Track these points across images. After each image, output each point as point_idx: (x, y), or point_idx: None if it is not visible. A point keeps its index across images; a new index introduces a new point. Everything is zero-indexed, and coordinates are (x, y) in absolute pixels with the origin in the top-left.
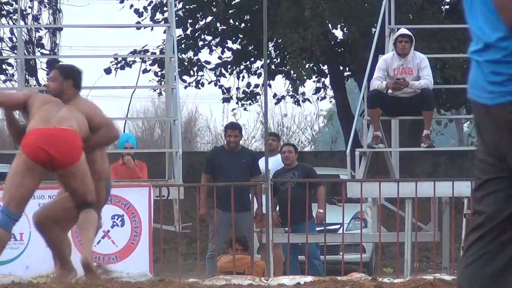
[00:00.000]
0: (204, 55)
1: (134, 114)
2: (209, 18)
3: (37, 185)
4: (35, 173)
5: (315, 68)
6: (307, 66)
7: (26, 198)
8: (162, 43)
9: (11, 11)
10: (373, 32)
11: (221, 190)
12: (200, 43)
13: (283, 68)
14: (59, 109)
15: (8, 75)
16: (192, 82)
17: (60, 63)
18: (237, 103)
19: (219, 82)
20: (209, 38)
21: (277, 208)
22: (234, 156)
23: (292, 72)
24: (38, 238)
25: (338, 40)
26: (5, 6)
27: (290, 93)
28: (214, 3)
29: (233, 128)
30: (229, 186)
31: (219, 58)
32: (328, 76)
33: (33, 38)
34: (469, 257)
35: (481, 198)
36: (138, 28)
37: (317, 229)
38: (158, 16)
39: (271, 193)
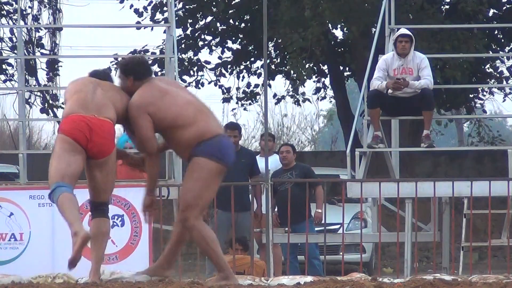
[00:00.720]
0: (204, 55)
1: None
2: (209, 18)
3: (82, 167)
4: (80, 153)
5: (315, 68)
6: (307, 66)
7: (77, 176)
8: (162, 43)
9: (11, 11)
10: (373, 32)
11: (221, 190)
12: (200, 43)
13: (283, 68)
14: (94, 91)
15: (8, 75)
16: (192, 82)
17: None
18: (237, 103)
19: (219, 82)
20: (209, 38)
21: (276, 209)
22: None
23: (292, 72)
24: (38, 238)
25: (338, 40)
26: (5, 6)
27: (290, 93)
28: (214, 3)
29: (233, 128)
30: (229, 186)
31: (219, 58)
32: (328, 76)
33: (33, 38)
34: None
35: None
36: (138, 28)
37: (317, 229)
38: (158, 16)
39: (271, 193)
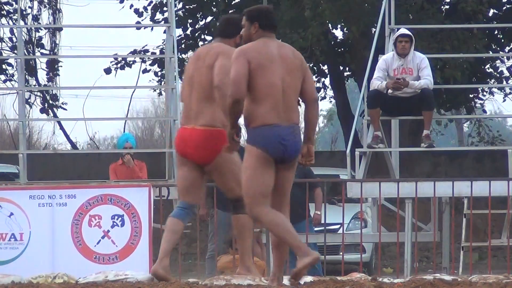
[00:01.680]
0: None
1: (134, 114)
2: (209, 18)
3: (193, 177)
4: (186, 165)
5: (315, 68)
6: None
7: (198, 188)
8: (162, 43)
9: (11, 11)
10: (373, 32)
11: (220, 190)
12: (200, 43)
13: None
14: (190, 94)
15: (8, 75)
16: None
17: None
18: None
19: None
20: (209, 38)
21: None
22: None
23: None
24: (38, 238)
25: (338, 40)
26: (5, 6)
27: None
28: (214, 3)
29: None
30: None
31: None
32: (328, 76)
33: (33, 38)
34: None
35: None
36: (138, 28)
37: (316, 229)
38: (158, 16)
39: None
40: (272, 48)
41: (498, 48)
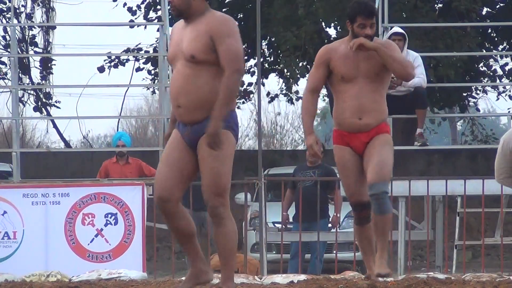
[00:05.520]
0: None
1: (128, 113)
2: None
3: None
4: None
5: (309, 66)
6: (300, 64)
7: None
8: (156, 41)
9: (5, 9)
10: None
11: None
12: None
13: (277, 66)
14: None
15: (1, 74)
16: None
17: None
18: None
19: None
20: None
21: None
22: None
23: (285, 70)
24: (32, 236)
25: (332, 39)
26: None
27: (284, 92)
28: (207, 1)
29: None
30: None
31: None
32: None
33: (27, 37)
34: None
35: None
36: (132, 27)
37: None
38: (152, 14)
39: (265, 191)
40: None
41: (492, 47)
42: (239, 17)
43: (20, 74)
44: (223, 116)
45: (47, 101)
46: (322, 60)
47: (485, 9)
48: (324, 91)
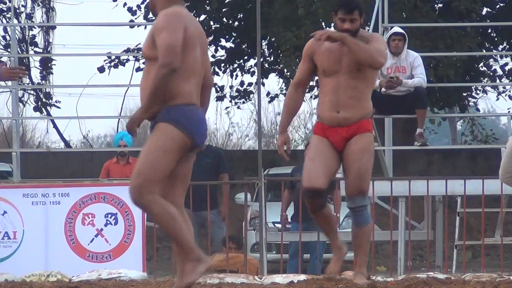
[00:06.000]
0: None
1: (128, 113)
2: (202, 17)
3: None
4: None
5: None
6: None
7: None
8: None
9: (5, 9)
10: (366, 30)
11: (192, 190)
12: None
13: (277, 66)
14: None
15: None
16: None
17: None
18: (230, 101)
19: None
20: None
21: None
22: (199, 157)
23: (285, 70)
24: (32, 236)
25: None
26: None
27: (284, 92)
28: (207, 1)
29: None
30: (205, 185)
31: (213, 56)
32: None
33: (27, 37)
34: None
35: None
36: (132, 27)
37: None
38: (152, 14)
39: (265, 191)
40: (195, 22)
41: (492, 47)
42: (239, 17)
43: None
44: (145, 107)
45: (47, 101)
46: (306, 53)
47: (485, 9)
48: None
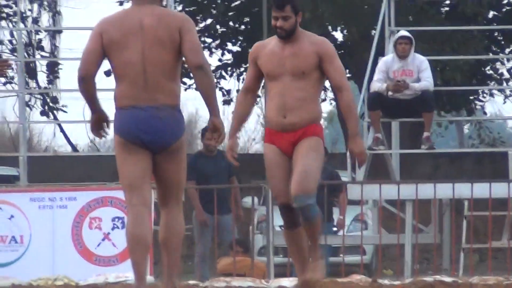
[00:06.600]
0: None
1: None
2: (209, 20)
3: None
4: None
5: None
6: None
7: None
8: None
9: (11, 13)
10: (373, 34)
11: (203, 193)
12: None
13: None
14: None
15: (8, 78)
16: (192, 85)
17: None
18: None
19: (219, 84)
20: (209, 40)
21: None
22: (213, 160)
23: None
24: (39, 240)
25: (338, 42)
26: (5, 9)
27: None
28: (213, 6)
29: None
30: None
31: (219, 60)
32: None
33: (33, 41)
34: None
35: None
36: None
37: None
38: None
39: (272, 195)
40: (135, 19)
41: (498, 50)
42: (245, 20)
43: (26, 78)
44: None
45: (54, 105)
46: (251, 58)
47: (491, 13)
48: (331, 95)
